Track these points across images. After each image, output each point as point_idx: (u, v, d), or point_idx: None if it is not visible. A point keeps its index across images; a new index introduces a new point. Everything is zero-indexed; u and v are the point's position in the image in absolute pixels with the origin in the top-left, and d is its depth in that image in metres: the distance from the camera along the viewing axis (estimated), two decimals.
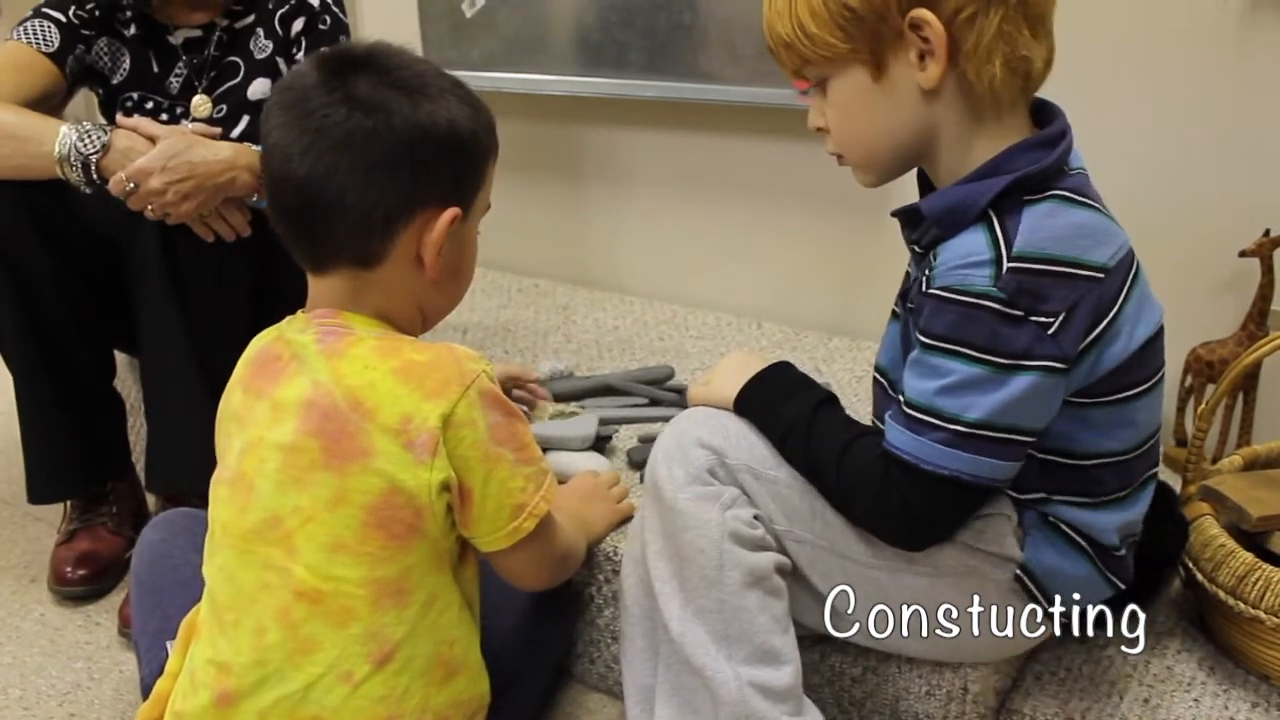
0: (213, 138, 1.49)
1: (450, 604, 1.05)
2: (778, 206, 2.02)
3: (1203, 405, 1.28)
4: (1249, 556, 1.13)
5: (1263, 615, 1.10)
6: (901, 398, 1.00)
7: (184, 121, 1.62)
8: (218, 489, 1.06)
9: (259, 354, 1.08)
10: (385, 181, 0.99)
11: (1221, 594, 1.14)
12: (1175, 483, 1.32)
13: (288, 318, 1.09)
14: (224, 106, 1.64)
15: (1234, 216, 1.57)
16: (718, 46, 1.93)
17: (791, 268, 2.05)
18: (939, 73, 0.96)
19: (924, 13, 0.94)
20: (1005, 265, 0.93)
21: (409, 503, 0.98)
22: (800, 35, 1.00)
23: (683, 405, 1.63)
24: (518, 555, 1.06)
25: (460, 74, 2.22)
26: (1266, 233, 1.51)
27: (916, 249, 1.05)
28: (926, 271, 0.99)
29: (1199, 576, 1.17)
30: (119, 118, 1.50)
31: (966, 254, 0.95)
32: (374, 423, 0.97)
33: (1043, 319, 0.93)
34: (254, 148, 1.50)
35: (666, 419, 1.60)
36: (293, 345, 1.04)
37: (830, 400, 1.09)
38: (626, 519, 1.36)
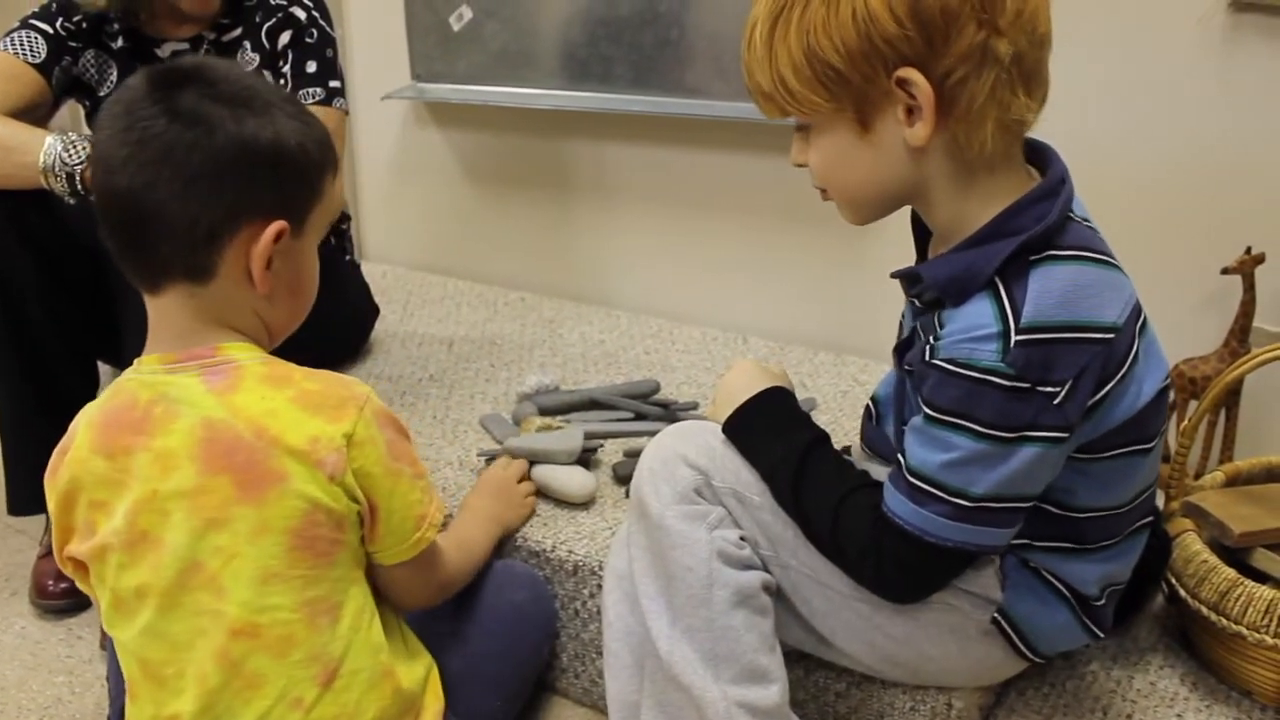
0: None
1: (374, 617, 1.06)
2: (764, 221, 2.03)
3: (1185, 422, 1.29)
4: (1231, 572, 1.14)
5: (1245, 631, 1.11)
6: (903, 461, 0.99)
7: None
8: (108, 558, 1.02)
9: (105, 413, 1.03)
10: (205, 193, 0.97)
11: (1204, 610, 1.15)
12: (1159, 499, 1.33)
13: (128, 369, 1.05)
14: None
15: (1216, 234, 1.58)
16: (704, 62, 1.94)
17: (778, 282, 2.05)
18: (927, 132, 0.93)
19: (912, 73, 0.91)
20: (1013, 339, 0.90)
21: (328, 517, 1.00)
22: (781, 89, 0.97)
23: (667, 420, 1.63)
24: (414, 567, 1.09)
25: (447, 87, 2.25)
26: (1248, 250, 1.52)
27: (916, 303, 1.04)
28: (931, 339, 0.97)
29: (1182, 592, 1.18)
30: None
31: (973, 326, 0.92)
32: (281, 447, 0.98)
33: (1049, 389, 0.91)
34: None
35: (652, 433, 1.58)
36: (154, 388, 1.01)
37: (820, 442, 1.07)
38: (531, 514, 1.41)
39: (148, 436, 0.99)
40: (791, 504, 1.05)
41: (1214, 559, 1.17)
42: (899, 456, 1.00)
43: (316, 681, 1.00)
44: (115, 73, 1.63)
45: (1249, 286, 1.52)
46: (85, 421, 1.04)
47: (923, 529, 0.96)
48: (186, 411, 0.99)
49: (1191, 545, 1.19)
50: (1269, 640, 1.09)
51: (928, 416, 0.96)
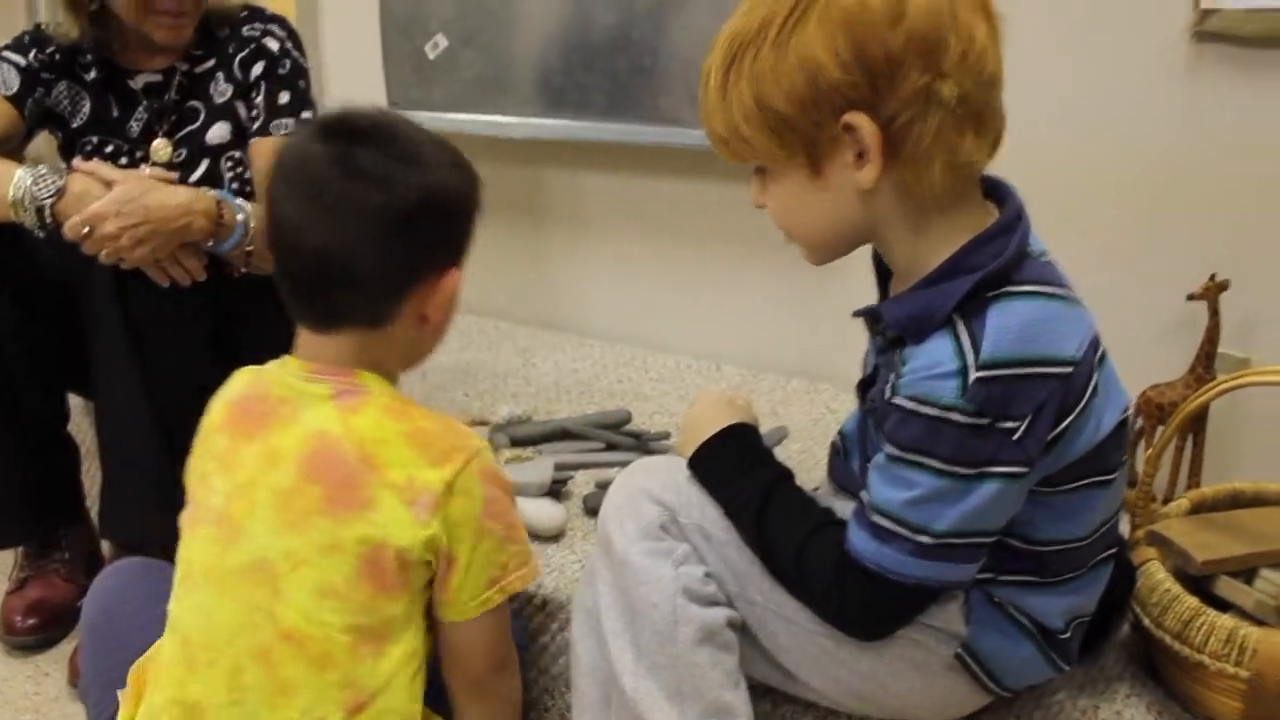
0: (170, 182, 1.49)
1: (420, 667, 1.06)
2: (738, 249, 2.04)
3: (1151, 448, 1.30)
4: (1194, 601, 1.14)
5: (1207, 660, 1.11)
6: (865, 499, 0.99)
7: (143, 166, 1.61)
8: (197, 529, 1.07)
9: (241, 396, 1.10)
10: (394, 251, 1.03)
11: (1168, 639, 1.15)
12: (1124, 525, 1.33)
13: (273, 363, 1.11)
14: (183, 151, 1.64)
15: (1181, 261, 1.59)
16: (679, 90, 1.95)
17: (750, 310, 2.06)
18: (875, 175, 0.94)
19: (858, 117, 0.92)
20: (973, 375, 0.91)
21: (398, 557, 1.02)
22: (735, 136, 0.98)
23: (639, 450, 1.63)
24: (477, 636, 1.09)
25: (422, 115, 2.23)
26: (1213, 277, 1.53)
27: (879, 341, 1.04)
28: (892, 377, 0.98)
29: (1145, 621, 1.18)
30: (75, 162, 1.50)
31: (933, 364, 0.93)
32: (380, 477, 1.01)
33: (1009, 424, 0.92)
34: (211, 193, 1.50)
35: (624, 464, 1.59)
36: (287, 390, 1.07)
37: (784, 479, 1.08)
38: None
39: (266, 431, 1.05)
40: (756, 542, 1.05)
41: (1177, 588, 1.17)
42: (862, 495, 1.00)
43: (344, 707, 1.01)
44: (88, 104, 1.64)
45: (1214, 313, 1.53)
46: (224, 399, 1.11)
47: (885, 567, 0.97)
48: (307, 419, 1.04)
49: (1155, 574, 1.20)
50: (1230, 669, 1.10)
51: (889, 455, 0.97)
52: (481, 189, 1.11)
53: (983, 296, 0.94)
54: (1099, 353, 0.99)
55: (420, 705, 1.06)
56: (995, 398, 0.91)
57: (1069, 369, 0.94)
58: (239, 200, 1.53)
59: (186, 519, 1.09)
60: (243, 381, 1.12)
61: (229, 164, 1.65)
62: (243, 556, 1.02)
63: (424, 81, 2.21)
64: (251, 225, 1.51)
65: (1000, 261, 0.94)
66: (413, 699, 1.05)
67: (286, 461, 1.03)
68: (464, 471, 1.03)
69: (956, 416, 0.92)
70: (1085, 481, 1.01)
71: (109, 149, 1.64)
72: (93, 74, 1.63)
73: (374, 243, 1.02)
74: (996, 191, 1.02)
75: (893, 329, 0.99)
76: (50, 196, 1.42)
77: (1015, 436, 0.92)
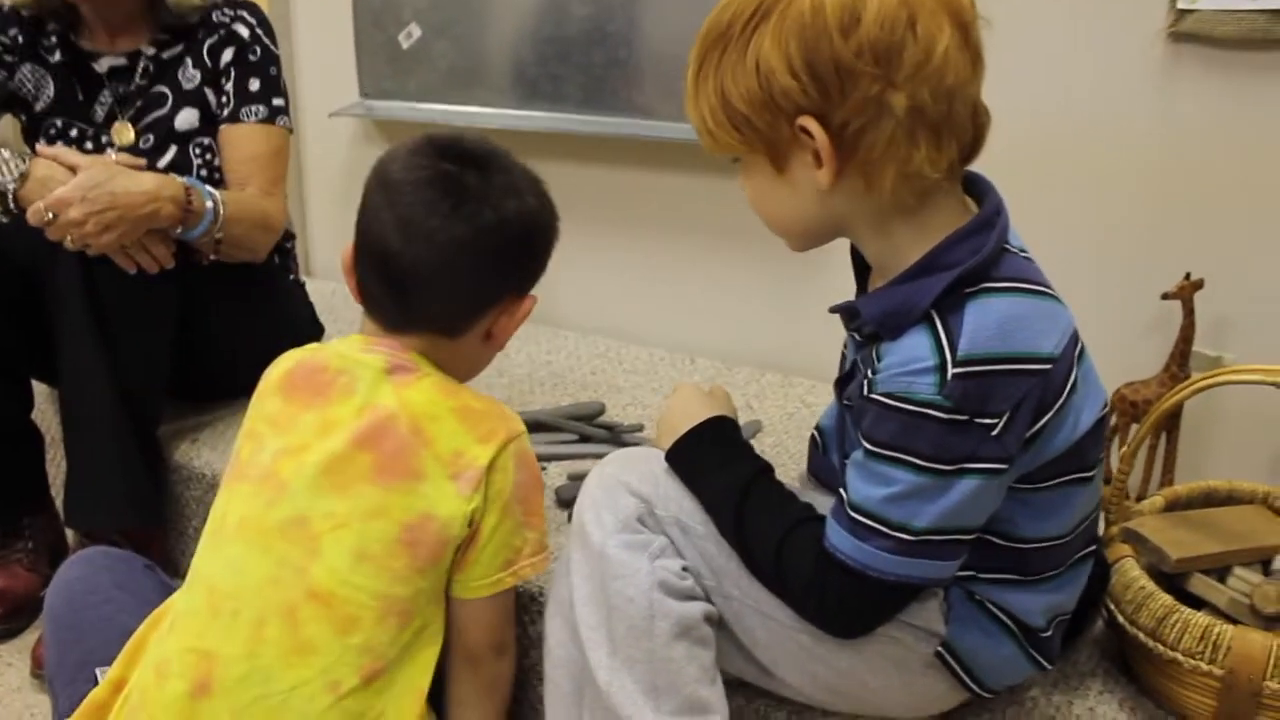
0: (138, 168, 1.47)
1: (434, 642, 1.10)
2: (712, 242, 2.03)
3: (1126, 446, 1.30)
4: (1168, 599, 1.14)
5: (1180, 657, 1.11)
6: (844, 496, 0.98)
7: (109, 150, 1.59)
8: (239, 485, 1.10)
9: (298, 365, 1.14)
10: (485, 274, 1.10)
11: (1142, 636, 1.15)
12: (1099, 523, 1.33)
13: (339, 338, 1.15)
14: (151, 137, 1.61)
15: (1156, 260, 1.60)
16: (653, 82, 1.94)
17: (725, 303, 2.05)
18: (830, 178, 0.94)
19: (810, 122, 0.92)
20: (950, 371, 0.90)
21: (440, 531, 1.06)
22: (704, 128, 0.99)
23: (612, 442, 1.62)
24: (483, 615, 1.13)
25: (395, 105, 2.23)
26: (1187, 276, 1.54)
27: (856, 337, 1.04)
28: (869, 373, 0.97)
29: (1120, 618, 1.18)
30: (39, 146, 1.48)
31: (910, 360, 0.93)
32: (430, 450, 1.07)
33: (987, 420, 0.91)
34: (179, 179, 1.47)
35: (597, 456, 1.59)
36: (346, 361, 1.11)
37: (763, 473, 1.07)
38: None
39: (324, 401, 1.10)
40: (734, 537, 1.04)
41: (1151, 585, 1.17)
42: (840, 491, 1.00)
43: (361, 672, 1.04)
44: (52, 87, 1.61)
45: (1188, 311, 1.54)
46: (280, 369, 1.16)
47: (866, 564, 0.96)
48: (363, 390, 1.09)
49: (1130, 571, 1.20)
50: (1204, 666, 1.10)
51: (867, 451, 0.96)
52: (557, 221, 1.18)
53: (960, 292, 0.93)
54: (1078, 349, 0.99)
55: (429, 681, 1.09)
56: (973, 394, 0.91)
57: (1047, 366, 0.93)
58: (208, 187, 1.51)
59: (228, 476, 1.12)
60: (298, 356, 1.16)
61: (197, 150, 1.63)
62: (284, 512, 1.05)
63: (397, 72, 2.19)
64: (221, 212, 1.49)
65: (979, 258, 0.94)
66: (424, 674, 1.08)
67: (341, 431, 1.07)
68: (504, 450, 1.09)
69: (934, 413, 0.91)
70: (1064, 479, 1.01)
71: (73, 133, 1.61)
72: (57, 56, 1.60)
73: (467, 264, 1.08)
74: (975, 187, 1.01)
75: (869, 325, 0.98)
76: (12, 181, 1.40)
77: (994, 433, 0.92)
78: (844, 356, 1.13)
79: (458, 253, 1.08)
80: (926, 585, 0.99)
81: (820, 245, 1.05)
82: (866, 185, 0.94)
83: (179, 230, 1.47)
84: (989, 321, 0.92)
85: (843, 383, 1.09)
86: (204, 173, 1.62)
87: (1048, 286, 0.98)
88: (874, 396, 0.95)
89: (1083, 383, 0.98)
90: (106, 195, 1.38)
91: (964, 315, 0.92)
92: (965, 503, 0.94)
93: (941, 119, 0.92)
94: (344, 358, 1.12)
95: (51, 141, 1.59)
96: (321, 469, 1.06)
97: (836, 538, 0.98)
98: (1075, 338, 0.98)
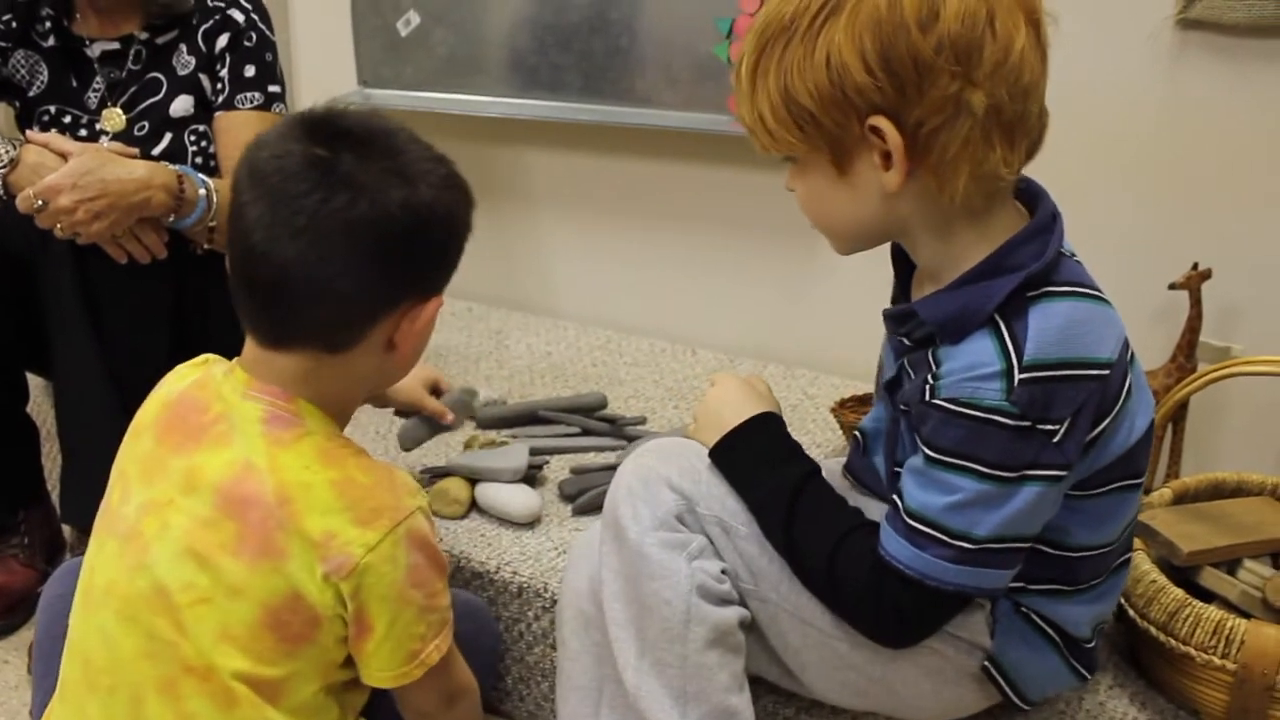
0: (131, 156, 1.44)
1: (327, 712, 1.00)
2: (713, 232, 2.01)
3: None
4: (1179, 593, 1.13)
5: (1192, 652, 1.10)
6: (900, 503, 0.96)
7: (102, 139, 1.57)
8: (107, 541, 0.99)
9: (179, 399, 1.01)
10: (372, 274, 0.94)
11: (1153, 630, 1.14)
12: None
13: (222, 367, 1.02)
14: (145, 124, 1.59)
15: (1163, 249, 1.59)
16: (654, 71, 1.92)
17: (726, 294, 2.04)
18: (899, 180, 0.90)
19: (883, 122, 0.88)
20: (1017, 377, 0.88)
21: (309, 611, 0.94)
22: (761, 127, 0.94)
23: (614, 436, 1.61)
24: (414, 691, 1.03)
25: (394, 93, 2.21)
26: (1194, 266, 1.52)
27: (906, 341, 1.01)
28: (929, 379, 0.94)
29: (1131, 612, 1.17)
30: (30, 133, 1.45)
31: (976, 365, 0.90)
32: (296, 526, 0.93)
33: (1049, 426, 0.89)
34: (171, 167, 1.45)
35: (599, 449, 1.58)
36: (226, 404, 0.98)
37: (812, 476, 1.03)
38: None
39: (195, 446, 0.97)
40: (782, 541, 1.01)
41: (1162, 579, 1.16)
42: (895, 498, 0.97)
43: None
44: (45, 73, 1.58)
45: (1195, 302, 1.52)
46: (163, 396, 1.03)
47: (924, 573, 0.94)
48: (238, 444, 0.95)
49: (1140, 565, 1.19)
50: (1217, 661, 1.09)
51: (929, 458, 0.93)
52: (473, 211, 1.03)
53: (1023, 297, 0.92)
54: (1129, 354, 0.97)
55: None
56: (1039, 400, 0.89)
57: (1106, 371, 0.92)
58: (201, 175, 1.49)
59: (99, 519, 1.02)
60: (187, 382, 1.03)
61: (192, 138, 1.61)
62: (145, 581, 0.95)
63: (395, 59, 2.17)
64: (215, 201, 1.47)
65: (1041, 261, 0.92)
66: None
67: (205, 488, 0.95)
68: (389, 537, 0.94)
69: (1001, 419, 0.89)
70: (1116, 485, 0.99)
71: (67, 119, 1.59)
72: (50, 42, 1.58)
73: (348, 263, 0.93)
74: (1027, 191, 0.99)
75: (929, 327, 0.95)
76: (3, 167, 1.38)
77: (1055, 439, 0.90)
78: (883, 359, 1.10)
79: (330, 252, 0.92)
80: (982, 595, 0.97)
81: (869, 248, 1.02)
82: (938, 187, 0.91)
83: (171, 219, 1.45)
84: (1052, 326, 0.90)
85: (892, 387, 1.06)
86: (199, 160, 1.60)
87: (1101, 291, 0.96)
88: (937, 402, 0.92)
89: (1136, 388, 0.97)
90: (97, 183, 1.36)
91: (1028, 320, 0.90)
92: (1027, 511, 0.92)
93: (1016, 119, 0.90)
94: (225, 402, 0.98)
95: (45, 128, 1.57)
96: (184, 535, 0.94)
97: (892, 546, 0.95)
98: (1127, 343, 0.96)
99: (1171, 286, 1.53)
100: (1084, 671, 1.07)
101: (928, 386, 0.94)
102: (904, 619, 0.97)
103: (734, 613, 1.01)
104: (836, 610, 1.01)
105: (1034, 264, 0.92)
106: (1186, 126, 1.57)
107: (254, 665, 0.94)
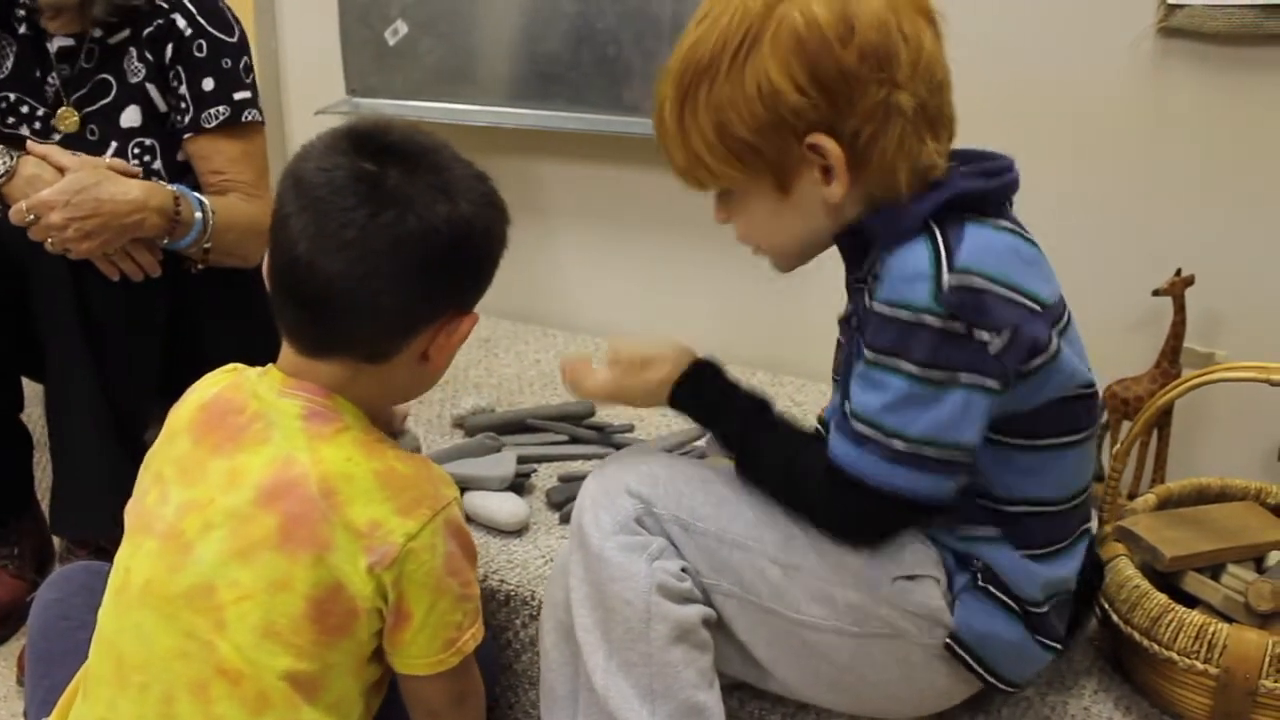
0: (132, 175, 1.42)
1: (350, 714, 1.02)
2: (701, 240, 2.01)
3: (1119, 444, 1.29)
4: (1162, 598, 1.14)
5: (1175, 657, 1.11)
6: (847, 406, 0.99)
7: (54, 136, 1.54)
8: (145, 541, 1.00)
9: (215, 400, 1.03)
10: (413, 289, 0.97)
11: (1136, 635, 1.15)
12: (1093, 521, 1.33)
13: (256, 369, 1.04)
14: (95, 128, 1.55)
15: (1147, 256, 1.60)
16: (642, 79, 1.92)
17: (714, 302, 2.04)
18: (843, 190, 0.96)
19: (821, 138, 0.94)
20: (946, 279, 0.92)
21: (349, 603, 0.96)
22: (699, 165, 0.99)
23: (602, 443, 1.61)
24: (434, 684, 1.05)
25: (382, 102, 2.20)
26: (1178, 272, 1.53)
27: (860, 284, 1.04)
28: (869, 287, 0.98)
29: (1114, 617, 1.18)
30: (29, 144, 1.44)
31: (907, 266, 0.94)
32: (341, 517, 0.95)
33: (984, 335, 0.92)
34: (169, 187, 1.43)
35: (586, 457, 1.58)
36: (262, 404, 1.00)
37: (760, 411, 1.08)
38: None
39: (234, 447, 0.99)
40: (750, 475, 1.06)
41: (1145, 584, 1.17)
42: (844, 403, 1.00)
43: None
44: (12, 59, 1.54)
45: (1179, 308, 1.53)
46: (198, 398, 1.04)
47: (865, 472, 0.97)
48: (277, 440, 0.98)
49: (1124, 570, 1.19)
50: (1199, 665, 1.09)
51: (866, 360, 0.97)
52: (506, 225, 1.05)
53: (961, 215, 0.95)
54: (1067, 317, 1.01)
55: None
56: (969, 305, 0.92)
57: (1040, 309, 0.95)
58: (199, 196, 1.47)
59: (133, 519, 1.03)
60: (222, 384, 1.04)
61: (136, 150, 1.56)
62: (188, 580, 0.96)
63: (384, 68, 2.17)
64: (211, 222, 1.46)
65: (983, 183, 0.97)
66: None
67: (247, 485, 0.97)
68: (429, 525, 0.98)
69: (930, 319, 0.92)
70: (1052, 441, 1.02)
71: (24, 109, 1.56)
72: (23, 29, 1.55)
73: (394, 277, 0.95)
74: (989, 158, 1.03)
75: (868, 237, 0.99)
76: (1, 175, 1.37)
77: (992, 350, 0.93)
78: (838, 359, 1.13)
79: (377, 266, 0.94)
80: (924, 502, 0.98)
81: (809, 261, 1.07)
82: (880, 188, 0.96)
83: (166, 241, 1.44)
84: (991, 246, 0.95)
85: (849, 319, 1.10)
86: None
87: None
88: (874, 306, 0.95)
89: (1075, 346, 1.01)
90: (91, 201, 1.35)
91: (964, 232, 0.94)
92: (958, 415, 0.94)
93: (938, 112, 0.96)
94: (262, 400, 1.00)
95: (2, 116, 1.55)
96: (227, 531, 0.96)
97: (839, 448, 0.99)
98: (1065, 306, 1.01)
99: (1155, 292, 1.54)
100: (1048, 641, 1.08)
101: (867, 291, 0.98)
102: (853, 519, 1.01)
103: (696, 610, 1.03)
104: (810, 518, 1.03)
105: (974, 184, 0.96)
106: (1169, 133, 1.59)
107: (295, 661, 0.96)
